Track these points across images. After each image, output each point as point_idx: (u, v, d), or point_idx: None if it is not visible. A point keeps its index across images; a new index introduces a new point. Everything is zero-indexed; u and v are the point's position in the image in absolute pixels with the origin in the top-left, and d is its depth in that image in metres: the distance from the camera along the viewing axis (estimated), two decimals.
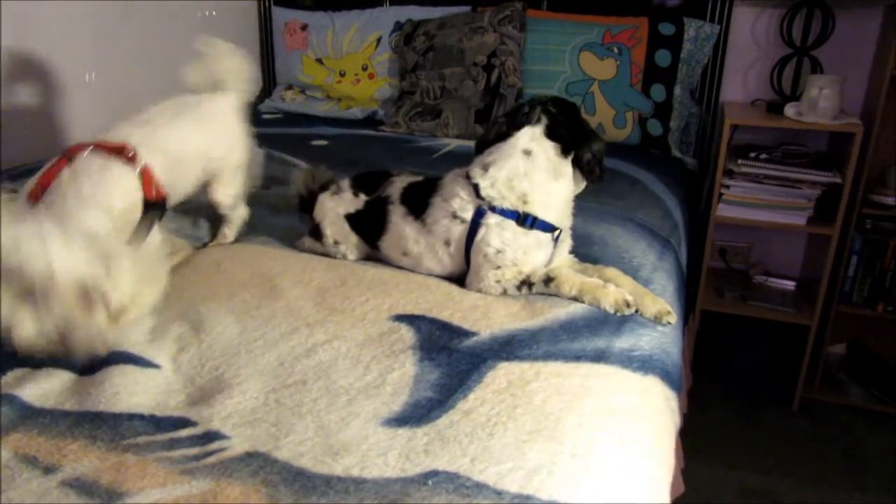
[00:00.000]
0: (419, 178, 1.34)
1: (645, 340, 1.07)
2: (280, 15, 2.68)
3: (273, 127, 2.41)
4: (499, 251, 1.18)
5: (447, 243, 1.23)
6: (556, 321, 1.09)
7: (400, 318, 1.08)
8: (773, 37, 2.27)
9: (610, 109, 2.20)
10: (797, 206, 2.07)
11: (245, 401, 0.89)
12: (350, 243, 1.35)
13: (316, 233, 1.37)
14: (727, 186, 2.10)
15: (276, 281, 1.20)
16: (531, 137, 1.20)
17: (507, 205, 1.19)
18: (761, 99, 2.30)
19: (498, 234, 1.18)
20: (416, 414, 0.86)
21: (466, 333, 1.04)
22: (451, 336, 1.03)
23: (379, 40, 2.51)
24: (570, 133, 1.21)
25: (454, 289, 1.19)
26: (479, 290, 1.19)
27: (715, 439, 2.06)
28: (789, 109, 2.05)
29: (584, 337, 1.05)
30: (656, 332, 1.11)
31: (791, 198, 2.07)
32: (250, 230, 1.46)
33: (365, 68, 2.53)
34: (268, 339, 1.02)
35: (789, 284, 2.34)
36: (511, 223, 1.18)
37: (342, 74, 2.56)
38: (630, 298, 1.15)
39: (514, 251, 1.18)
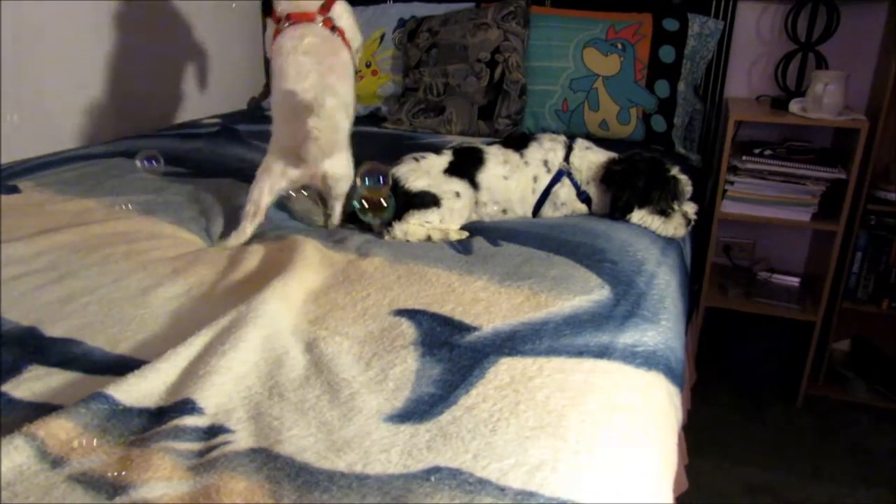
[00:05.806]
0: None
1: (649, 336, 1.07)
2: None
3: None
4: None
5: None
6: (560, 315, 1.08)
7: (401, 312, 1.08)
8: (778, 32, 2.26)
9: (614, 105, 2.19)
10: (801, 202, 2.07)
11: (250, 395, 0.89)
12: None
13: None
14: (731, 183, 2.10)
15: (277, 276, 1.19)
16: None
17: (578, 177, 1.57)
18: (766, 95, 2.30)
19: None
20: (419, 410, 0.86)
21: (468, 328, 1.04)
22: (453, 331, 1.03)
23: (382, 37, 2.51)
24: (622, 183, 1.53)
25: (455, 281, 1.19)
26: None
27: (719, 435, 2.06)
28: (794, 105, 2.05)
29: (588, 332, 1.05)
30: (660, 327, 1.11)
31: (795, 194, 2.06)
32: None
33: (368, 65, 2.53)
34: (268, 335, 1.02)
35: (793, 281, 2.34)
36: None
37: None
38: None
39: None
